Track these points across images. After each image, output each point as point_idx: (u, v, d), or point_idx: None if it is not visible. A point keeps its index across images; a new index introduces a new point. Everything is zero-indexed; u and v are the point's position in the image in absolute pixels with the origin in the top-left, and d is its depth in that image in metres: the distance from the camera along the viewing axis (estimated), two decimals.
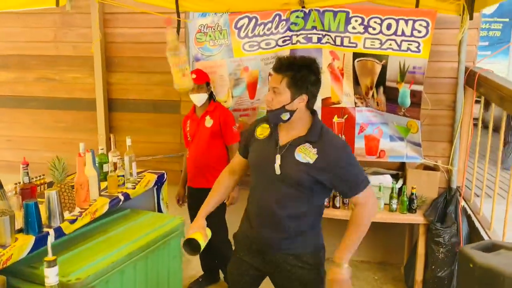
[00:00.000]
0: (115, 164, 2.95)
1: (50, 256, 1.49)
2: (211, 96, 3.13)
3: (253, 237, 1.95)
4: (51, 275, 1.21)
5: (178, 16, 3.22)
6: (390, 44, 2.92)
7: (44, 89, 4.14)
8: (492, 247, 1.83)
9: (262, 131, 1.92)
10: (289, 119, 1.81)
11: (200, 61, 3.27)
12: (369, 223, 1.82)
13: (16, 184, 2.40)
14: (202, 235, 1.90)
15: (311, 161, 1.77)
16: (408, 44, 2.87)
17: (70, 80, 4.06)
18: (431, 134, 3.42)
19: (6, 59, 4.16)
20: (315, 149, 1.79)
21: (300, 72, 1.78)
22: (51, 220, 2.10)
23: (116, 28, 3.87)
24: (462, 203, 3.08)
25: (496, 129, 3.11)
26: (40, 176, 2.53)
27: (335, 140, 1.88)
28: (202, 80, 3.02)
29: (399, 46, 2.90)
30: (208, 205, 2.04)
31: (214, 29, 3.20)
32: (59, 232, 2.10)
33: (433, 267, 2.90)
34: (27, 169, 2.29)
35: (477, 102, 3.14)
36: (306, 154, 1.78)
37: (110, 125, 4.03)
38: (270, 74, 1.88)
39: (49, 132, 4.17)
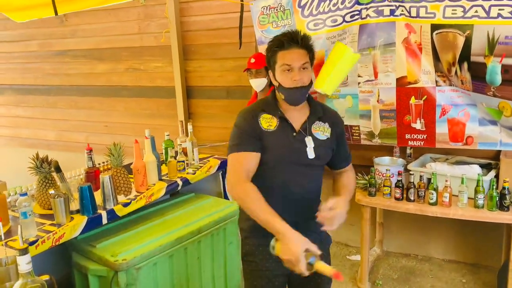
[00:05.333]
0: (183, 149, 3.05)
1: (21, 245, 1.50)
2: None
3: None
4: (22, 263, 1.24)
5: None
6: (476, 11, 2.46)
7: (132, 79, 4.46)
8: None
9: (268, 122, 1.69)
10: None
11: (264, 45, 3.15)
12: None
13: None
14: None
15: (329, 136, 1.77)
16: (499, 9, 2.38)
17: (152, 69, 4.31)
18: None
19: (102, 52, 4.58)
20: (326, 123, 1.78)
21: (313, 48, 1.72)
22: (105, 202, 2.24)
23: (191, 17, 3.96)
24: None
25: None
26: (106, 161, 2.72)
27: (333, 110, 1.89)
28: (261, 64, 2.92)
29: (487, 12, 2.42)
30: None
31: (277, 9, 3.06)
32: (111, 214, 2.22)
33: None
34: (91, 154, 2.47)
35: None
36: (323, 131, 1.77)
37: (190, 112, 4.19)
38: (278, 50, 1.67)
39: (137, 119, 4.51)
